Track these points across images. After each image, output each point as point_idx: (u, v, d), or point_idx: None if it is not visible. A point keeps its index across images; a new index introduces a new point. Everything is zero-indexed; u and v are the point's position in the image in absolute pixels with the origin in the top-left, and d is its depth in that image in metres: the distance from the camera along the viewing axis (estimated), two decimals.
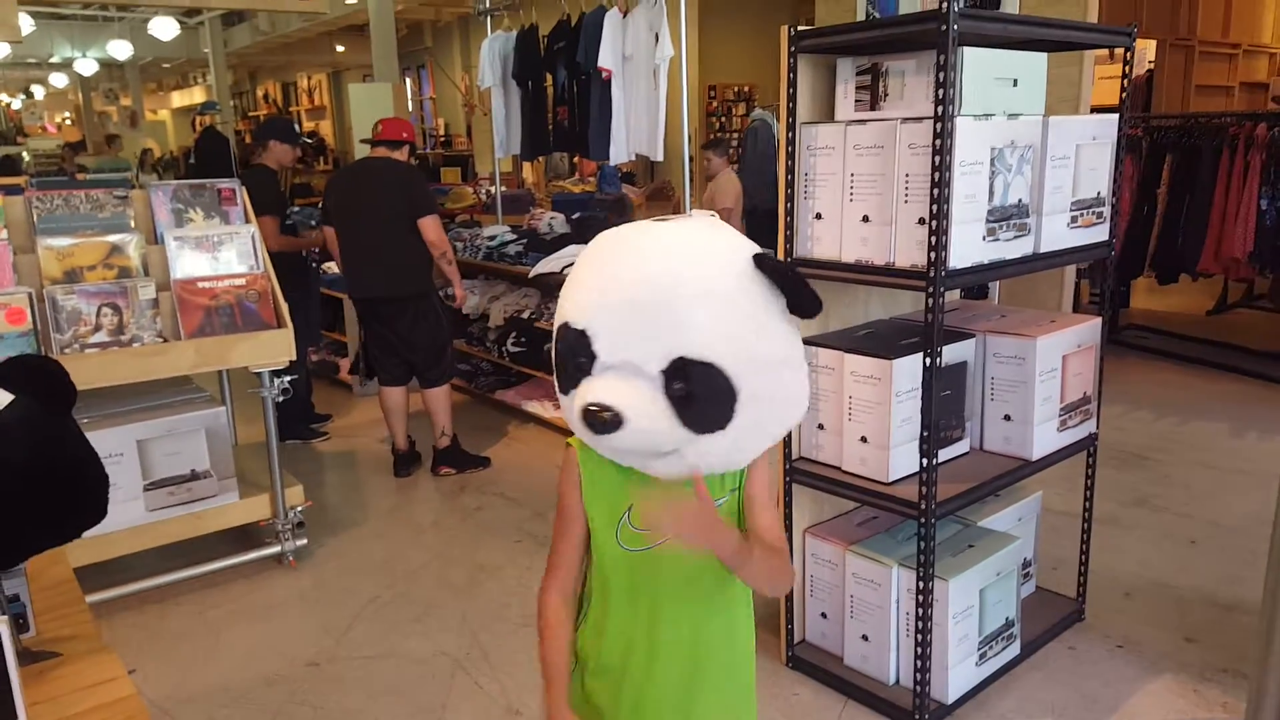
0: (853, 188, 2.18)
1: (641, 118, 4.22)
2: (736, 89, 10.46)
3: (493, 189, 7.92)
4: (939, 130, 1.93)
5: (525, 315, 4.75)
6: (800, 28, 2.19)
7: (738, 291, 1.07)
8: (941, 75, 1.91)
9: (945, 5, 1.87)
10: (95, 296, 2.83)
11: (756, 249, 1.14)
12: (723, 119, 10.53)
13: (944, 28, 1.88)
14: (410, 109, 12.97)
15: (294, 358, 3.09)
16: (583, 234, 4.88)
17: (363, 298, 4.00)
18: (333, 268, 5.48)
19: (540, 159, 7.08)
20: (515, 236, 5.03)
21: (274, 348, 3.02)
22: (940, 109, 1.92)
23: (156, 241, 3.08)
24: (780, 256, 2.33)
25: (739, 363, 1.06)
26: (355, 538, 3.54)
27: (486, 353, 5.06)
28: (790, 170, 2.28)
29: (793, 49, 2.21)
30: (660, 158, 4.24)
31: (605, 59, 4.15)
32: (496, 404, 5.03)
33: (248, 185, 3.39)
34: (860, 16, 5.32)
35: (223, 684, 2.57)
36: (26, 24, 8.02)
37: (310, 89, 17.74)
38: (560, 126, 4.80)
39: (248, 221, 3.24)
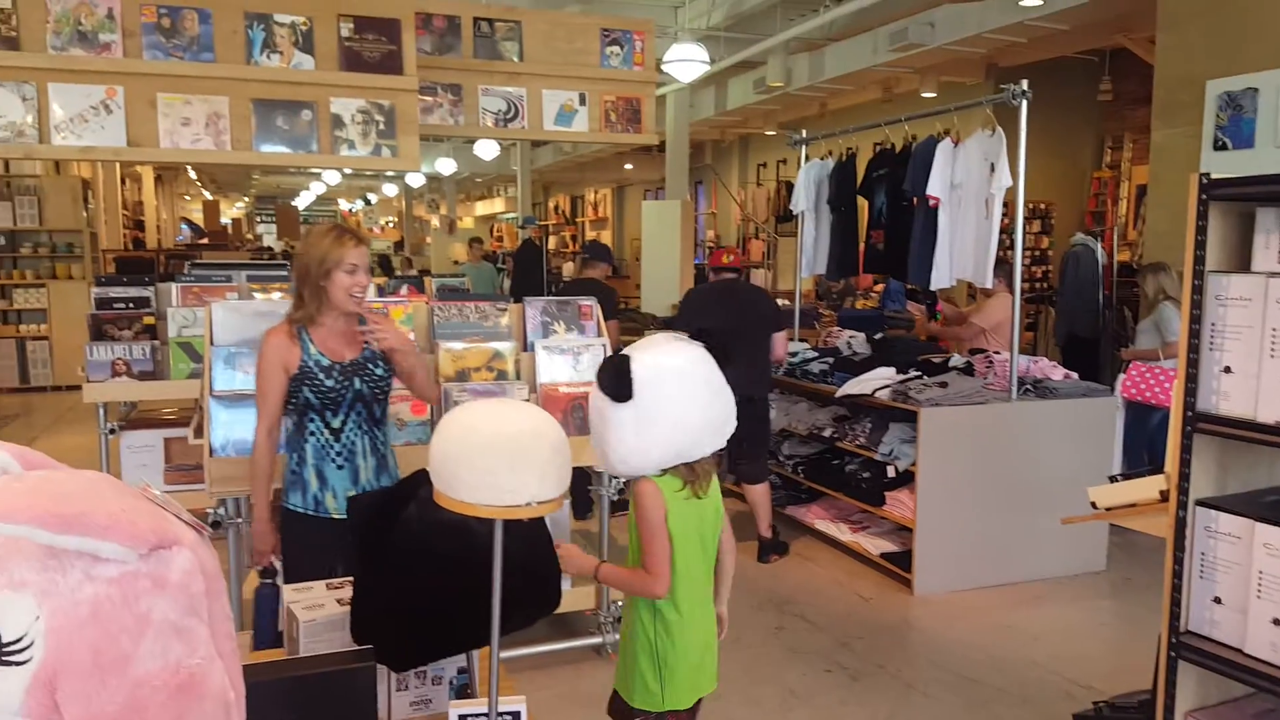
0: (1274, 344, 2.01)
1: (968, 244, 4.18)
2: (1032, 206, 10.05)
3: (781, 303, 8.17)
4: None
5: (826, 434, 4.76)
6: (1213, 175, 2.10)
7: None
8: None
9: None
10: (480, 395, 3.23)
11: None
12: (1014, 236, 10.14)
13: None
14: None
15: None
16: (886, 356, 4.82)
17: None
18: None
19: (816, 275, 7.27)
20: (817, 354, 5.11)
21: None
22: None
23: (526, 349, 3.48)
24: (1179, 408, 2.18)
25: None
26: None
27: (779, 466, 5.11)
28: (1195, 320, 2.15)
29: (1203, 196, 2.12)
30: (989, 283, 4.16)
31: (934, 187, 4.19)
32: (785, 519, 5.03)
33: (592, 294, 3.84)
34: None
35: None
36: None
37: (595, 201, 19.42)
38: (873, 249, 4.87)
39: (600, 334, 3.58)
